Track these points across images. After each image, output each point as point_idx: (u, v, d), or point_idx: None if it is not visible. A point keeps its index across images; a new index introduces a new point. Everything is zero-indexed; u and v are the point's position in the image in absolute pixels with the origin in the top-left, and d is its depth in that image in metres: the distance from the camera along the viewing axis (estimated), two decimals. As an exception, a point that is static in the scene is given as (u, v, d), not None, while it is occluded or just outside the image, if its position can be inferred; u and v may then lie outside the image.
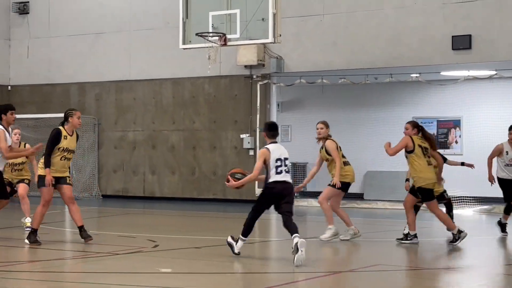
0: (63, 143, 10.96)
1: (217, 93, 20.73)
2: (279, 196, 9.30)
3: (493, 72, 18.86)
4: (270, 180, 9.33)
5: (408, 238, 11.20)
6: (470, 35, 17.75)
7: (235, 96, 20.55)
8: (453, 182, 20.17)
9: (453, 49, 17.92)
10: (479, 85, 20.10)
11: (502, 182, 12.89)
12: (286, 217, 9.22)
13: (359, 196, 21.04)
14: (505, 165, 12.81)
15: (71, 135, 11.14)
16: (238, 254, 9.55)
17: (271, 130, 9.56)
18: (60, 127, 11.13)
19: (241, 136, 20.20)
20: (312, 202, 19.67)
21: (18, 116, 23.01)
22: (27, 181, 13.07)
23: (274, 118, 20.65)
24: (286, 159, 9.42)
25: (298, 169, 22.12)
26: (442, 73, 19.32)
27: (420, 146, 11.28)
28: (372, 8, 18.85)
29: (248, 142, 19.99)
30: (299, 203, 19.81)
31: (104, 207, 15.31)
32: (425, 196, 11.10)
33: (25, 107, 23.43)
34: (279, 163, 9.30)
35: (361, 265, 9.62)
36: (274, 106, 20.86)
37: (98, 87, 22.56)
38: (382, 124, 21.60)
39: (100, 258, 10.01)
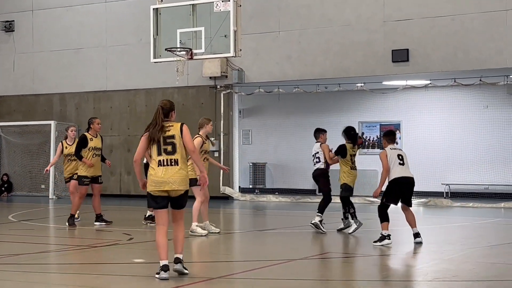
0: (91, 144, 12.45)
1: (185, 101, 20.63)
2: None
3: (428, 82, 19.10)
4: None
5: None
6: (407, 49, 17.92)
7: (202, 104, 20.48)
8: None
9: (393, 61, 18.08)
10: (416, 93, 20.34)
11: None
12: None
13: (312, 192, 21.09)
14: None
15: (95, 137, 12.64)
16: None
17: None
18: (85, 133, 12.65)
19: (207, 139, 20.11)
20: (271, 198, 19.70)
21: (6, 123, 23.07)
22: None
23: (236, 123, 20.64)
24: None
25: (258, 169, 22.11)
26: (384, 82, 19.49)
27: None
28: (322, 25, 18.95)
29: (213, 145, 19.92)
30: (259, 199, 19.83)
31: (84, 205, 15.08)
32: None
33: (12, 116, 23.11)
34: None
35: (314, 253, 9.64)
36: (236, 113, 20.83)
37: (78, 97, 22.30)
38: (332, 128, 21.54)
39: (80, 250, 9.90)
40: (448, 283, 7.20)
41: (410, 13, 17.95)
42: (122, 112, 21.58)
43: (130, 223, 13.27)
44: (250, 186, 21.74)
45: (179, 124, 7.75)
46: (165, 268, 7.27)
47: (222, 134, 19.82)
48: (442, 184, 20.03)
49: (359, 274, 8.07)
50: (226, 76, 19.94)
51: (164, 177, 7.42)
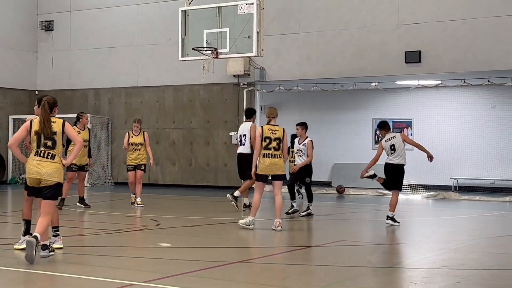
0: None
1: (210, 98, 20.67)
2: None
3: (439, 82, 18.94)
4: None
5: None
6: (420, 51, 17.79)
7: (225, 100, 20.50)
8: (406, 172, 20.39)
9: (405, 62, 17.95)
10: (427, 92, 20.19)
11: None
12: None
13: (327, 184, 21.06)
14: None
15: (83, 130, 13.25)
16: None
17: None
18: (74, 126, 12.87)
19: (230, 134, 20.15)
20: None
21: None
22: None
23: (257, 119, 20.59)
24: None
25: (278, 161, 22.04)
26: (397, 82, 19.36)
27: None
28: (340, 28, 18.86)
29: (236, 139, 19.90)
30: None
31: (115, 192, 15.27)
32: None
33: (50, 109, 23.29)
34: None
35: (328, 241, 9.62)
36: (258, 109, 20.81)
37: (111, 92, 22.43)
38: (347, 124, 21.69)
39: (110, 234, 9.97)
40: (454, 271, 7.16)
41: (423, 16, 17.81)
42: (151, 107, 21.67)
43: (158, 210, 13.33)
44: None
45: (61, 120, 7.96)
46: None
47: (244, 129, 19.78)
48: (450, 178, 19.88)
49: (367, 261, 8.04)
50: (249, 75, 19.93)
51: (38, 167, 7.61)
